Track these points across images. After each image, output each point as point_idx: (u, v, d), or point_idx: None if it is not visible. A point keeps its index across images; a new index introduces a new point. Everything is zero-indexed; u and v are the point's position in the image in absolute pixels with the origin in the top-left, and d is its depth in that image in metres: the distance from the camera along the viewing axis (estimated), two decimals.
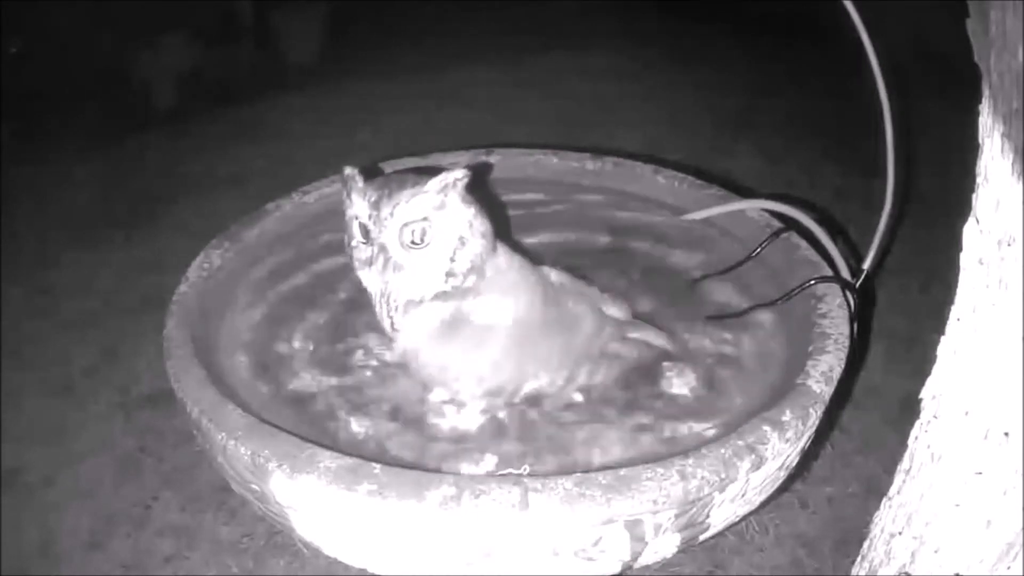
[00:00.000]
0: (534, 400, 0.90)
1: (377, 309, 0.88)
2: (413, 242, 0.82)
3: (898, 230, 1.69)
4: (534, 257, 0.95)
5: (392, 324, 0.86)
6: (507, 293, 0.85)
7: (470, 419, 0.90)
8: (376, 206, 0.81)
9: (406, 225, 0.82)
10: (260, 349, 1.00)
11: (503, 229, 0.91)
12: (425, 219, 0.81)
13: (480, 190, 0.89)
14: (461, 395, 0.87)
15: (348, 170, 0.86)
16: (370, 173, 0.86)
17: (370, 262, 0.84)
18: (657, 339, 0.98)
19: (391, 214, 0.81)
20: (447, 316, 0.84)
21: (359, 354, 1.00)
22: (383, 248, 0.83)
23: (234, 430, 0.77)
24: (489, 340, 0.84)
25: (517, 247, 0.93)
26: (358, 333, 1.03)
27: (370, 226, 0.82)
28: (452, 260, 0.84)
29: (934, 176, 1.72)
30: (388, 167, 1.22)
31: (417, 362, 0.86)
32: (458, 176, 0.82)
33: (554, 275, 0.94)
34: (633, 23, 3.07)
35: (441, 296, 0.85)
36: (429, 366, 0.85)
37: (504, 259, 0.88)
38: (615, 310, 0.97)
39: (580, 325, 0.89)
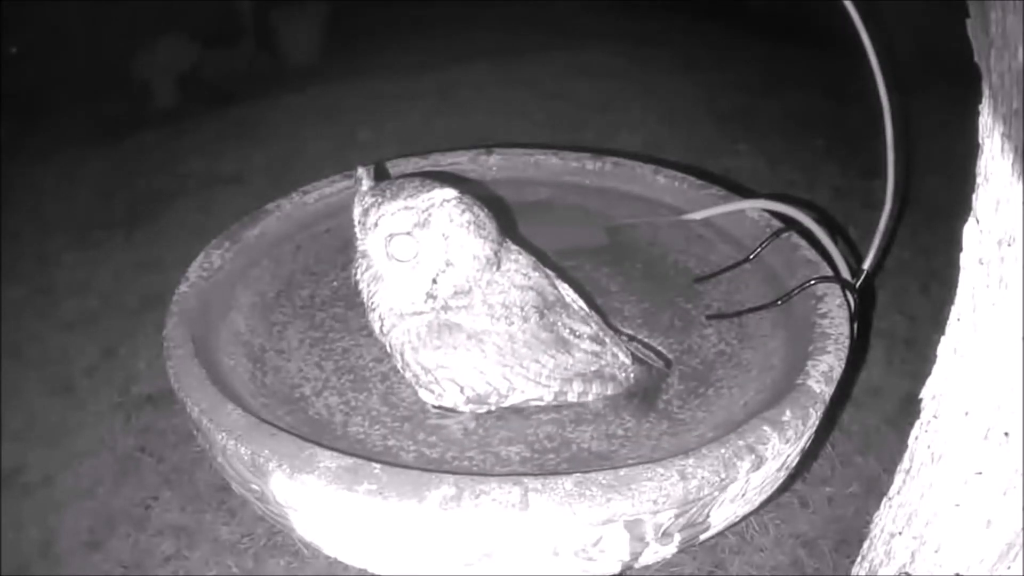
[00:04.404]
0: (519, 409, 0.90)
1: (367, 312, 0.88)
2: (395, 256, 0.81)
3: (898, 230, 1.70)
4: (543, 257, 0.94)
5: (381, 328, 0.86)
6: (498, 312, 0.83)
7: (465, 419, 0.90)
8: (366, 212, 0.81)
9: (391, 237, 0.80)
10: (260, 349, 1.00)
11: (508, 230, 0.89)
12: (408, 234, 0.80)
13: (482, 196, 0.88)
14: (444, 399, 0.87)
15: (360, 170, 0.85)
16: (382, 173, 0.86)
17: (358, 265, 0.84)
18: (655, 363, 0.97)
19: (375, 223, 0.80)
20: (434, 321, 0.83)
21: (359, 353, 1.00)
22: (365, 255, 0.83)
23: (234, 430, 0.77)
24: (474, 348, 0.83)
25: (533, 251, 0.91)
26: (358, 332, 1.03)
27: (357, 230, 0.82)
28: (434, 282, 0.82)
29: (934, 176, 1.72)
30: (391, 167, 1.22)
31: (402, 361, 0.85)
32: (446, 196, 0.80)
33: (565, 291, 0.92)
34: (633, 23, 3.07)
35: (423, 312, 0.83)
36: (413, 366, 0.85)
37: (505, 274, 0.85)
38: (617, 344, 0.94)
39: (575, 345, 0.88)
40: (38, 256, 1.88)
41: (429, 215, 0.80)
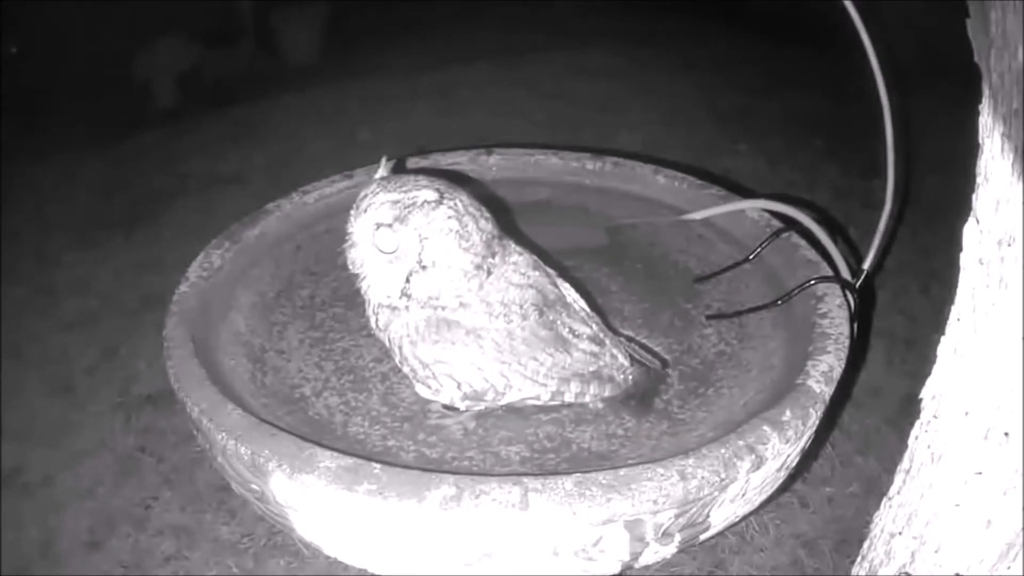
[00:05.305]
0: (518, 409, 0.89)
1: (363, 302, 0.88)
2: (378, 246, 0.81)
3: (898, 230, 1.70)
4: (545, 257, 0.94)
5: (376, 322, 0.86)
6: (496, 309, 0.83)
7: (465, 419, 0.90)
8: (363, 197, 0.81)
9: (377, 226, 0.81)
10: (260, 349, 1.00)
11: (508, 230, 0.89)
12: (389, 226, 0.80)
13: (482, 196, 0.88)
14: (441, 395, 0.87)
15: (383, 160, 0.85)
16: (400, 170, 0.86)
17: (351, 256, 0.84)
18: (652, 364, 0.97)
19: (365, 209, 0.81)
20: (432, 316, 0.83)
21: (359, 353, 1.00)
22: (353, 243, 0.83)
23: (234, 430, 0.77)
24: (472, 344, 0.83)
25: (535, 250, 0.91)
26: (358, 332, 1.03)
27: (351, 213, 0.82)
28: (407, 281, 0.82)
29: (934, 176, 1.72)
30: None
31: (400, 355, 0.85)
32: (428, 198, 0.80)
33: (566, 290, 0.92)
34: (633, 23, 3.07)
35: (412, 305, 0.83)
36: (411, 360, 0.85)
37: (504, 273, 0.85)
38: (616, 346, 0.94)
39: (574, 345, 0.87)
40: (38, 256, 1.88)
41: (409, 212, 0.80)
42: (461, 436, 0.89)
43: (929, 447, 0.76)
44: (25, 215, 2.01)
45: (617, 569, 0.78)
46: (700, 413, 0.91)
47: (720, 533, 0.86)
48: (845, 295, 0.97)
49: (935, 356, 0.75)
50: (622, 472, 0.72)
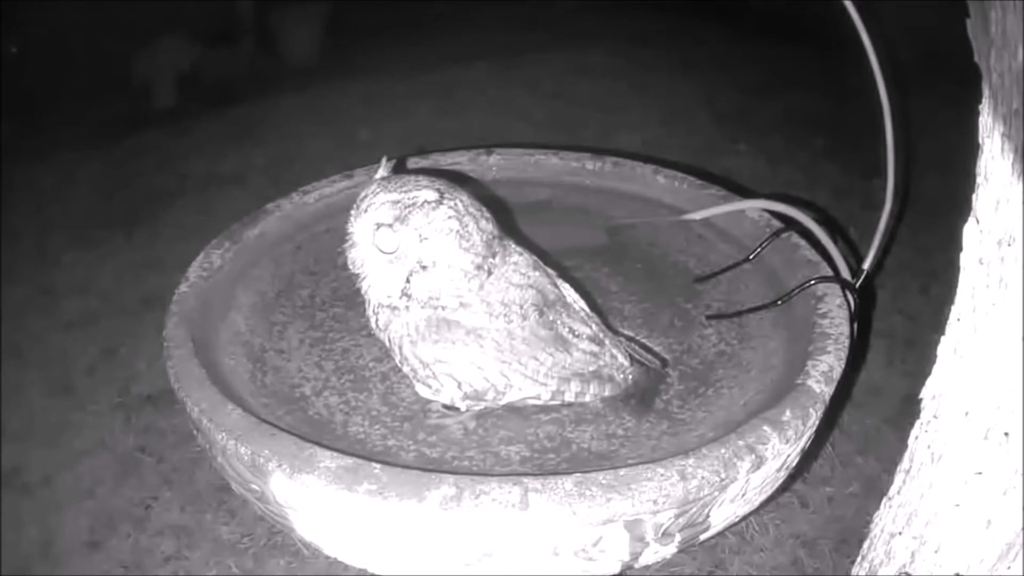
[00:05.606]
0: (518, 409, 0.89)
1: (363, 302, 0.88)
2: (379, 247, 0.81)
3: (898, 230, 1.70)
4: (544, 257, 0.94)
5: (376, 322, 0.86)
6: (497, 309, 0.83)
7: (465, 418, 0.90)
8: (363, 197, 0.81)
9: (378, 226, 0.81)
10: (260, 349, 1.00)
11: (508, 230, 0.89)
12: (390, 226, 0.81)
13: (482, 196, 0.87)
14: (441, 394, 0.87)
15: (383, 160, 0.86)
16: (400, 170, 0.86)
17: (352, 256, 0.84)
18: (652, 364, 0.97)
19: (365, 209, 0.81)
20: (433, 316, 0.83)
21: (359, 353, 1.00)
22: (353, 243, 0.83)
23: (234, 430, 0.77)
24: (473, 344, 0.83)
25: (535, 251, 0.92)
26: (358, 332, 1.03)
27: (352, 213, 0.82)
28: (407, 282, 0.82)
29: (934, 176, 1.72)
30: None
31: (400, 355, 0.85)
32: (428, 198, 0.80)
33: (566, 290, 0.92)
34: (633, 23, 3.07)
35: (412, 305, 0.83)
36: (412, 360, 0.85)
37: (504, 273, 0.85)
38: (616, 345, 0.94)
39: (574, 344, 0.88)
40: (38, 256, 1.88)
41: (409, 212, 0.80)
42: (461, 436, 0.89)
43: (929, 447, 0.76)
44: (25, 215, 2.02)
45: (617, 569, 0.78)
46: (700, 413, 0.91)
47: (720, 533, 0.86)
48: (845, 295, 0.97)
49: (935, 356, 0.75)
50: (622, 472, 0.72)
